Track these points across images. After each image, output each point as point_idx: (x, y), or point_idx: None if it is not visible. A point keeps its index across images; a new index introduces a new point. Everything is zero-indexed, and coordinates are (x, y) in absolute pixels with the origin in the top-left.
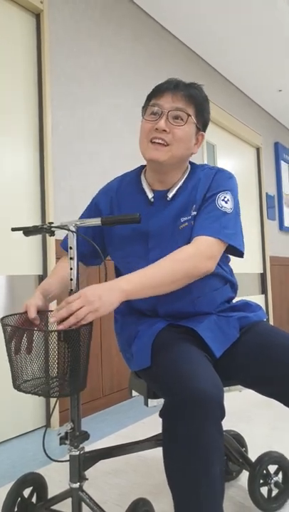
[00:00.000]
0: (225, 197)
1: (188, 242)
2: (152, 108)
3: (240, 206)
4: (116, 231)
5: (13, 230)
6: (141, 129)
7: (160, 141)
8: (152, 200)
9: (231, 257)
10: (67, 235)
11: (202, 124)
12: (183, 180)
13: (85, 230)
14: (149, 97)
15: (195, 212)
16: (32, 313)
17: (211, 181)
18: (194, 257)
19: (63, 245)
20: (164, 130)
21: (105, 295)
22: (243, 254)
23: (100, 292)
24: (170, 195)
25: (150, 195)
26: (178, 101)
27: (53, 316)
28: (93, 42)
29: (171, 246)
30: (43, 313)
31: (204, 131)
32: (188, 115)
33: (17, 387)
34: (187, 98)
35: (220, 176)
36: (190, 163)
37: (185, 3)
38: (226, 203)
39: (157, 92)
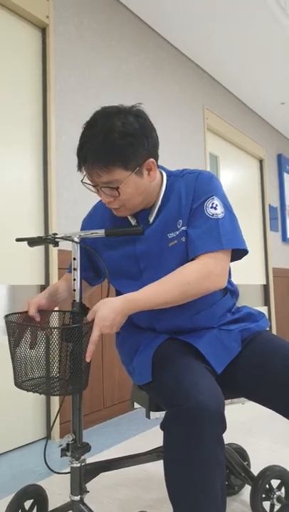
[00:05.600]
0: (213, 203)
1: (182, 259)
2: (87, 182)
3: (243, 217)
4: (107, 253)
5: (18, 240)
6: None
7: (114, 206)
8: (135, 224)
9: (234, 267)
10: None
11: (138, 162)
12: (161, 198)
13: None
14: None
15: (184, 228)
16: (31, 311)
17: (194, 189)
18: (206, 279)
19: (70, 270)
20: (110, 201)
21: (111, 318)
22: (246, 251)
23: (109, 314)
24: (151, 219)
25: (132, 221)
26: (99, 177)
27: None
28: (97, 54)
29: (163, 265)
30: (46, 312)
31: (151, 156)
32: (117, 187)
33: (18, 385)
34: (108, 166)
35: (201, 181)
36: (164, 171)
37: (188, 16)
38: (216, 209)
39: (80, 165)
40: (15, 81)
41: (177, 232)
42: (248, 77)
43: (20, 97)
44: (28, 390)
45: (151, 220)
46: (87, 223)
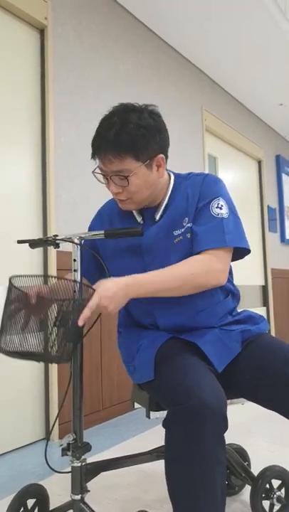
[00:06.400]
0: (218, 203)
1: (185, 255)
2: (99, 172)
3: (242, 218)
4: (111, 248)
5: (19, 242)
6: None
7: (121, 198)
8: (142, 222)
9: (232, 268)
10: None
11: (150, 155)
12: (167, 197)
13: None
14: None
15: (190, 224)
16: (32, 292)
17: (200, 189)
18: (208, 272)
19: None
20: (118, 192)
21: (114, 300)
22: (249, 251)
23: (111, 296)
24: (157, 216)
25: (138, 218)
26: (111, 164)
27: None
28: (95, 55)
29: (168, 261)
30: (45, 300)
31: (161, 152)
32: (127, 176)
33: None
34: (120, 154)
35: (208, 183)
36: (171, 173)
37: (186, 18)
38: (221, 209)
39: (94, 153)
40: (13, 82)
41: (183, 230)
42: (246, 79)
43: (18, 99)
44: (2, 351)
45: (157, 217)
46: (97, 223)
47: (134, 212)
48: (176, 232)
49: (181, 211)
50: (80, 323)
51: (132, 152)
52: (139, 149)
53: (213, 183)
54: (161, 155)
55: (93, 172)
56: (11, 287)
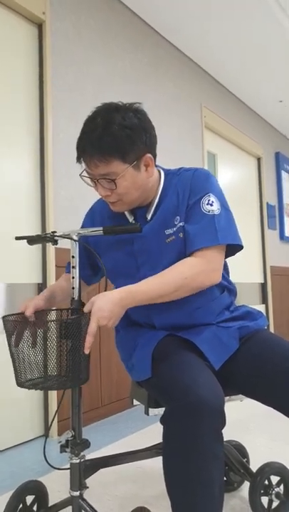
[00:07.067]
0: (209, 200)
1: (180, 254)
2: (86, 175)
3: (241, 215)
4: (105, 251)
5: (17, 238)
6: None
7: (111, 200)
8: (133, 221)
9: (231, 266)
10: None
11: (137, 155)
12: (158, 195)
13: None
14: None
15: (181, 224)
16: (29, 311)
17: (191, 185)
18: (201, 273)
19: (68, 270)
20: (107, 194)
21: (109, 310)
22: (242, 247)
23: (107, 307)
24: (149, 216)
25: (130, 218)
26: (97, 168)
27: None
28: (94, 51)
29: (160, 261)
30: (43, 312)
31: (149, 152)
32: (114, 179)
33: (20, 384)
34: (106, 157)
35: (197, 178)
36: (161, 169)
37: (185, 14)
38: (212, 205)
39: (78, 156)
40: (11, 78)
41: (174, 229)
42: (246, 75)
43: (16, 94)
44: (29, 388)
45: (149, 216)
46: (88, 221)
47: (125, 212)
48: (168, 232)
49: (172, 209)
50: (86, 351)
51: (117, 154)
52: (124, 151)
53: (203, 178)
54: (149, 154)
55: (80, 175)
56: (6, 322)
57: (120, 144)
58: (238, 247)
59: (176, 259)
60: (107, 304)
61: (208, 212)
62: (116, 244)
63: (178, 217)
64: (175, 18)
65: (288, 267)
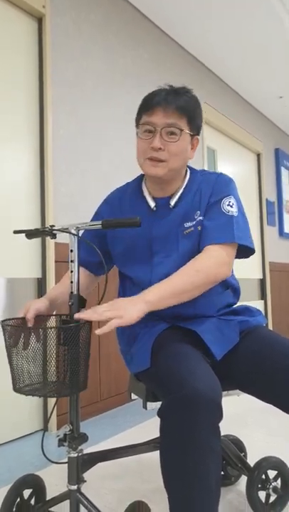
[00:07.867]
0: (229, 201)
1: (194, 245)
2: (145, 126)
3: None
4: (119, 237)
5: (15, 232)
6: (137, 147)
7: (160, 157)
8: (154, 208)
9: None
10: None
11: (196, 129)
12: (184, 186)
13: (91, 238)
14: (140, 111)
15: (201, 218)
16: (30, 314)
17: (213, 186)
18: (214, 266)
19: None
20: (160, 148)
21: (130, 306)
22: (254, 251)
23: (126, 303)
24: (172, 202)
25: (152, 204)
26: (169, 116)
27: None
28: (95, 46)
29: (176, 249)
30: (43, 317)
31: (198, 134)
32: (181, 130)
33: (17, 390)
34: (179, 111)
35: (221, 181)
36: (189, 167)
37: (186, 10)
38: (231, 207)
39: (148, 107)
40: (10, 73)
41: (194, 222)
42: (246, 72)
43: (16, 90)
44: (26, 395)
45: (172, 203)
46: (106, 208)
47: (147, 197)
48: (187, 225)
49: (194, 205)
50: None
51: (188, 115)
52: (193, 117)
53: (225, 183)
54: (198, 137)
55: (139, 124)
56: (5, 326)
57: (192, 109)
58: (250, 251)
59: (190, 250)
60: (136, 312)
61: (228, 212)
62: (133, 230)
63: (198, 212)
64: (177, 14)
65: (287, 263)
